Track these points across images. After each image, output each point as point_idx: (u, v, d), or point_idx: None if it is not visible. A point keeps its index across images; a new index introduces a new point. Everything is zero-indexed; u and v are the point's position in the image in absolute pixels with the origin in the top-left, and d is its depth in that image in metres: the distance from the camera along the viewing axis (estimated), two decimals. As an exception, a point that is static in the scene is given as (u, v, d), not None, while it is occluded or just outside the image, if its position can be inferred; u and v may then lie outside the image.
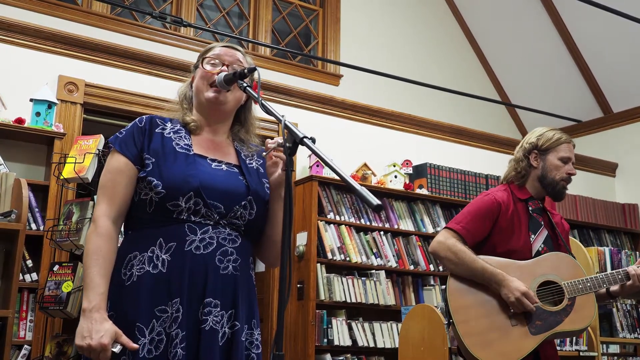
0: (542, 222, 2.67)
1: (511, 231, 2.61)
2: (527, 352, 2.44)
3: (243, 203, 1.80)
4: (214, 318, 1.71)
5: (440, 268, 4.73)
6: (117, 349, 1.61)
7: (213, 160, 1.85)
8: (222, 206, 1.77)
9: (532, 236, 2.62)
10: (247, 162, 1.92)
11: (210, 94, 1.86)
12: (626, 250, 5.31)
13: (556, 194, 2.69)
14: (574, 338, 4.62)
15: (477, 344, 2.45)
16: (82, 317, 1.64)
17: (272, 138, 1.82)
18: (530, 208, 2.68)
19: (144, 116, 1.88)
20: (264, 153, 1.82)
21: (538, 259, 2.58)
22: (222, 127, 1.94)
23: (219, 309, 1.72)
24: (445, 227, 2.65)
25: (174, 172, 1.75)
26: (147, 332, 1.67)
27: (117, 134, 1.85)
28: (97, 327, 1.61)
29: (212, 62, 1.90)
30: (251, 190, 1.83)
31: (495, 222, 2.61)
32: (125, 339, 1.63)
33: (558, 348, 4.54)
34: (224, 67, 1.88)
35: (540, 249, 2.61)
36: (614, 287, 2.60)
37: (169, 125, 1.88)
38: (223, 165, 1.86)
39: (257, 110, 2.02)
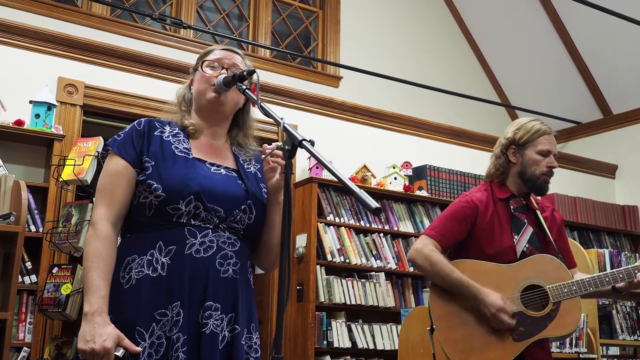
0: (526, 221, 2.56)
1: (492, 233, 2.51)
2: None
3: (243, 207, 1.81)
4: (215, 322, 1.70)
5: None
6: (120, 352, 1.61)
7: (212, 164, 1.85)
8: (222, 210, 1.77)
9: (516, 236, 2.51)
10: (245, 166, 1.92)
11: (210, 94, 1.86)
12: (626, 252, 5.32)
13: (537, 189, 2.57)
14: (574, 340, 4.62)
15: (459, 351, 2.40)
16: (84, 321, 1.63)
17: (269, 143, 1.82)
18: (512, 207, 2.57)
19: (142, 119, 1.88)
20: (263, 156, 1.82)
21: (522, 261, 2.48)
22: (221, 131, 1.94)
23: (219, 312, 1.71)
24: (422, 234, 2.57)
25: (173, 175, 1.75)
26: (147, 336, 1.66)
27: (115, 136, 1.84)
28: (100, 331, 1.60)
29: (212, 65, 1.91)
30: (250, 195, 1.83)
31: (474, 224, 2.52)
32: (127, 342, 1.62)
33: (557, 350, 4.55)
34: (224, 71, 1.89)
35: (525, 249, 2.50)
36: (620, 283, 2.47)
37: (167, 128, 1.88)
38: (222, 170, 1.86)
39: (255, 113, 2.02)
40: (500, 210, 2.56)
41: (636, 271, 2.42)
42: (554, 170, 2.60)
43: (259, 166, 1.95)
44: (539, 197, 2.71)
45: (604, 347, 5.06)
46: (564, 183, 5.95)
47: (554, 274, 2.46)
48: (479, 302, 2.39)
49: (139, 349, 1.63)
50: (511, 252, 2.50)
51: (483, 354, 2.39)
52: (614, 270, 2.46)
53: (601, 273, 2.47)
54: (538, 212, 2.61)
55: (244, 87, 1.82)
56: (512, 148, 2.60)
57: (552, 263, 2.49)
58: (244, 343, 1.76)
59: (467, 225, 2.52)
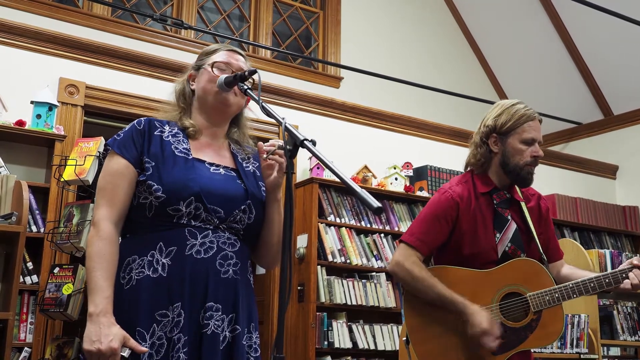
0: (510, 217, 2.37)
1: (474, 232, 2.33)
2: None
3: (242, 207, 1.81)
4: (216, 322, 1.70)
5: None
6: (126, 353, 1.60)
7: (211, 164, 1.85)
8: (222, 211, 1.77)
9: (498, 235, 2.33)
10: (244, 164, 1.92)
11: (224, 96, 1.86)
12: (627, 253, 5.32)
13: (521, 180, 2.36)
14: (575, 340, 4.62)
15: None
16: (89, 321, 1.63)
17: (265, 141, 1.83)
18: (495, 202, 2.38)
19: (141, 118, 1.87)
20: (264, 155, 1.82)
21: (502, 267, 2.31)
22: (221, 131, 1.95)
23: (220, 313, 1.72)
24: (400, 241, 2.38)
25: (174, 176, 1.75)
26: (147, 337, 1.66)
27: (115, 136, 1.84)
28: (106, 331, 1.60)
29: (222, 68, 1.90)
30: (250, 195, 1.83)
31: (455, 222, 2.33)
32: (133, 342, 1.62)
33: (558, 350, 4.55)
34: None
35: (507, 248, 2.33)
36: (607, 288, 2.32)
37: (167, 128, 1.87)
38: (221, 169, 1.86)
39: (254, 113, 2.02)
40: (483, 206, 2.37)
41: (623, 275, 2.27)
42: (538, 159, 2.38)
43: (257, 164, 1.95)
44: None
45: (605, 348, 5.05)
46: (565, 184, 5.95)
47: (535, 279, 2.29)
48: (465, 318, 2.24)
49: (145, 349, 1.63)
50: (492, 252, 2.33)
51: None
52: (600, 275, 2.30)
53: (586, 278, 2.29)
54: (522, 204, 2.43)
55: (246, 87, 1.82)
56: (493, 136, 2.38)
57: (534, 268, 2.32)
58: (244, 343, 1.76)
59: (448, 225, 2.34)
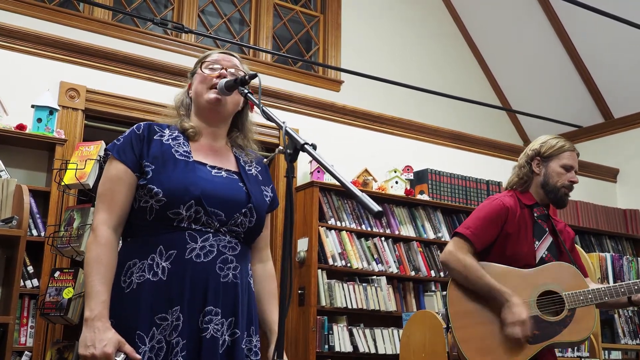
0: (547, 229, 2.68)
1: (517, 237, 2.61)
2: None
3: (243, 211, 1.81)
4: (215, 326, 1.70)
5: (442, 274, 4.73)
6: (120, 358, 1.60)
7: (213, 167, 1.85)
8: (223, 214, 1.77)
9: (537, 242, 2.63)
10: (247, 168, 1.92)
11: (211, 95, 1.86)
12: (627, 256, 5.31)
13: (558, 200, 2.70)
14: (576, 344, 4.62)
15: (474, 350, 2.48)
16: (85, 326, 1.63)
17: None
18: (535, 214, 2.69)
19: (141, 123, 1.87)
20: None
21: (541, 267, 2.58)
22: (221, 132, 1.94)
23: (219, 317, 1.72)
24: (454, 233, 2.64)
25: (174, 179, 1.75)
26: (147, 340, 1.66)
27: (115, 141, 1.84)
28: (100, 336, 1.60)
29: (211, 66, 1.91)
30: (251, 198, 1.83)
31: (502, 227, 2.61)
32: (128, 348, 1.62)
33: (559, 355, 4.55)
34: (223, 71, 1.89)
35: (544, 255, 2.62)
36: (636, 297, 2.60)
37: (167, 131, 1.87)
38: (223, 172, 1.86)
39: (255, 117, 2.02)
40: (526, 216, 2.67)
41: None
42: (574, 185, 2.71)
43: (260, 168, 1.96)
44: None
45: (606, 351, 5.05)
46: (566, 187, 5.94)
47: (571, 281, 2.56)
48: (506, 307, 2.47)
49: (139, 356, 1.63)
50: (531, 257, 2.60)
51: (498, 354, 2.47)
52: (630, 281, 2.58)
53: (617, 284, 2.57)
54: (553, 223, 2.73)
55: (246, 90, 1.82)
56: (536, 159, 2.73)
57: (570, 271, 2.59)
58: (244, 347, 1.76)
59: (498, 228, 2.60)
